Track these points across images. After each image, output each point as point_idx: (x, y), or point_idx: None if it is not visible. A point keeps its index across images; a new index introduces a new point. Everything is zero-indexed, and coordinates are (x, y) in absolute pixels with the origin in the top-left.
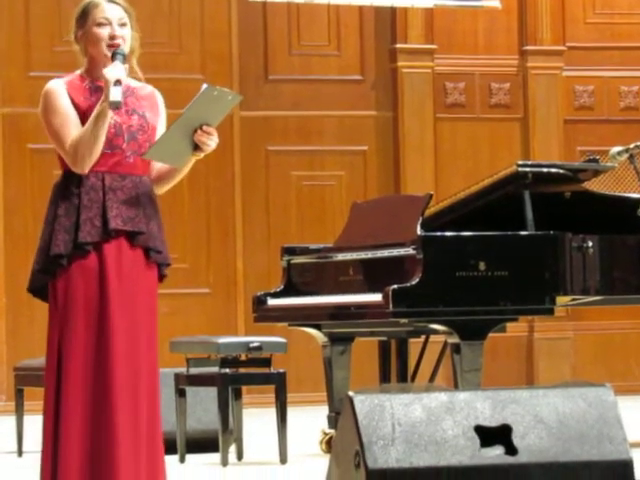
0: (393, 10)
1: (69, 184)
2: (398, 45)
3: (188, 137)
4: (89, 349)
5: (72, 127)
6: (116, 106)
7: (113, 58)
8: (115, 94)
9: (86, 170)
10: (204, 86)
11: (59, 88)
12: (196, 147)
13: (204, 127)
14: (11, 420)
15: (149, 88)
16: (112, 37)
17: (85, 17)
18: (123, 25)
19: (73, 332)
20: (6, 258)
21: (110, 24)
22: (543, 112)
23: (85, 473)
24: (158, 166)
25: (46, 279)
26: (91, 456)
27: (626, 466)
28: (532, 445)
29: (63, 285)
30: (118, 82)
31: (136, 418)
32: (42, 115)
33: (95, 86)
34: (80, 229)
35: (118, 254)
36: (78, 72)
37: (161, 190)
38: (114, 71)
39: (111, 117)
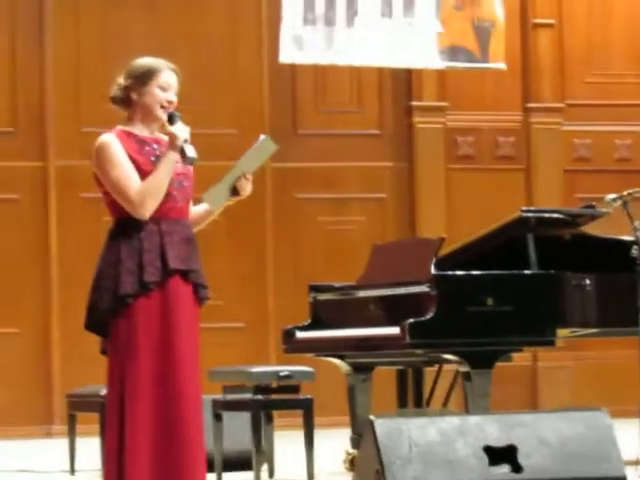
0: (409, 71)
1: (128, 230)
2: (413, 103)
3: (231, 183)
4: (155, 379)
5: (132, 177)
6: (193, 161)
7: (171, 119)
8: (190, 151)
9: (148, 216)
10: (262, 137)
11: (114, 141)
12: (234, 193)
13: (246, 175)
14: (64, 442)
15: None
16: (169, 102)
17: (149, 77)
18: (176, 94)
19: (136, 365)
20: (60, 296)
21: (170, 90)
22: (545, 163)
23: None
24: (192, 210)
25: (110, 317)
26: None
27: None
28: (536, 464)
29: (125, 323)
30: (186, 141)
31: (202, 446)
32: (99, 166)
33: (141, 140)
34: (145, 270)
35: (176, 291)
36: (120, 127)
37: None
38: (182, 130)
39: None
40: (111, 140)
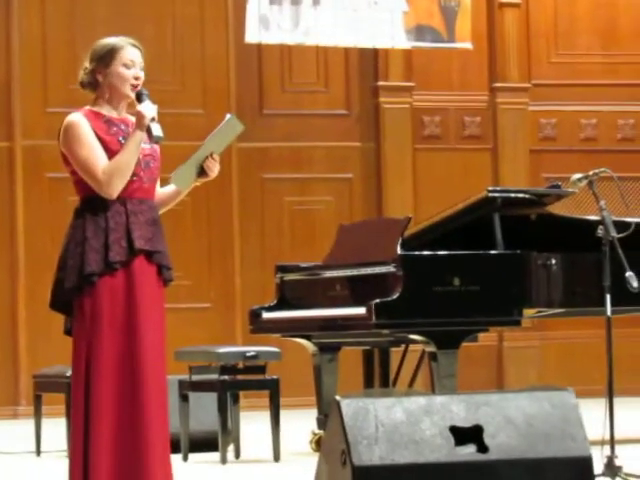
0: (375, 51)
1: (94, 209)
2: (380, 83)
3: (198, 163)
4: (119, 360)
5: (99, 156)
6: (159, 140)
7: (139, 98)
8: (157, 130)
9: (115, 195)
10: (228, 116)
11: (82, 121)
12: (201, 173)
13: (214, 155)
14: (30, 423)
15: None
16: (136, 78)
17: (111, 57)
18: (142, 69)
19: (101, 344)
20: (26, 276)
21: (134, 66)
22: (511, 143)
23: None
24: (160, 191)
25: (75, 296)
26: (122, 461)
27: (586, 462)
28: (502, 443)
29: (90, 302)
30: (154, 119)
31: (164, 422)
32: (66, 146)
33: (109, 121)
34: (110, 249)
35: (140, 271)
36: (88, 107)
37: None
38: (149, 109)
39: None
40: (79, 119)
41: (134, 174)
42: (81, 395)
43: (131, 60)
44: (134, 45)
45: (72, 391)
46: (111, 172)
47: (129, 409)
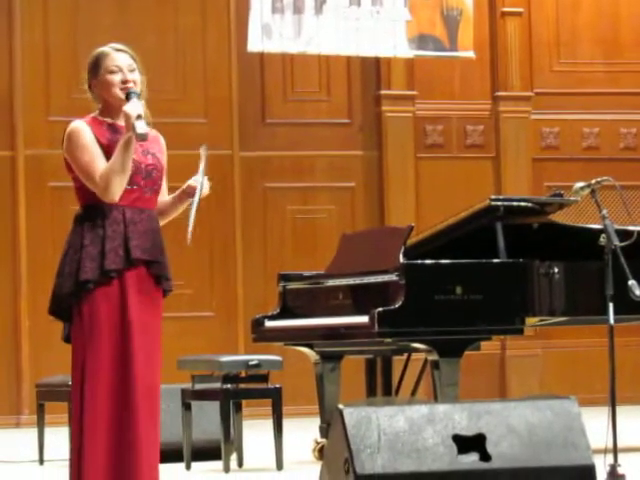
0: (377, 60)
1: (93, 216)
2: (382, 91)
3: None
4: (112, 367)
5: (100, 162)
6: (143, 137)
7: (128, 97)
8: (141, 127)
9: (116, 199)
10: (203, 147)
11: (84, 127)
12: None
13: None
14: (33, 432)
15: (154, 132)
16: (124, 82)
17: (98, 66)
18: (132, 71)
19: (97, 351)
20: (29, 285)
21: (121, 71)
22: (513, 152)
23: None
24: (162, 201)
25: (72, 302)
26: (115, 464)
27: (589, 470)
28: (504, 452)
29: (88, 309)
30: (139, 117)
31: (155, 429)
32: (69, 152)
33: (113, 127)
34: (106, 257)
35: (137, 281)
36: (92, 115)
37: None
38: (134, 107)
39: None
40: (81, 126)
41: (134, 183)
42: (78, 400)
43: (116, 65)
44: (119, 50)
45: (72, 397)
46: (107, 176)
47: (120, 413)
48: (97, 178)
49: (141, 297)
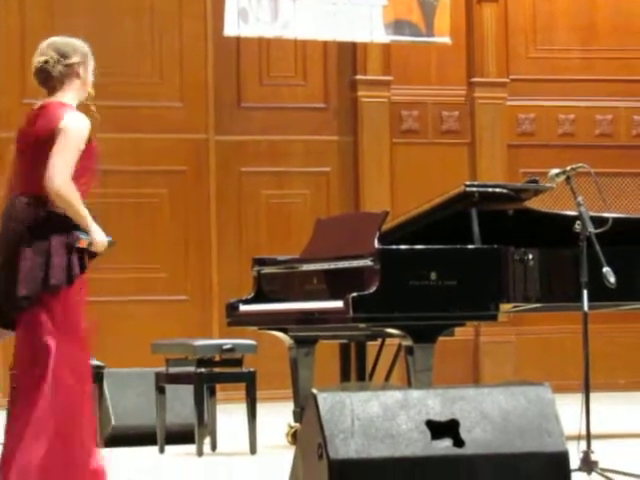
0: (354, 45)
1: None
2: (358, 76)
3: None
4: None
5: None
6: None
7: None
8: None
9: (55, 191)
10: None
11: (89, 129)
12: None
13: None
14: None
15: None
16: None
17: (88, 61)
18: None
19: None
20: None
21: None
22: (489, 138)
23: None
24: None
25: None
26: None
27: (562, 457)
28: (478, 438)
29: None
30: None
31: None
32: (67, 139)
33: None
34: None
35: None
36: (69, 103)
37: None
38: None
39: None
40: (89, 128)
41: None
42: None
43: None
44: None
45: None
46: (67, 194)
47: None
48: (65, 178)
49: None
